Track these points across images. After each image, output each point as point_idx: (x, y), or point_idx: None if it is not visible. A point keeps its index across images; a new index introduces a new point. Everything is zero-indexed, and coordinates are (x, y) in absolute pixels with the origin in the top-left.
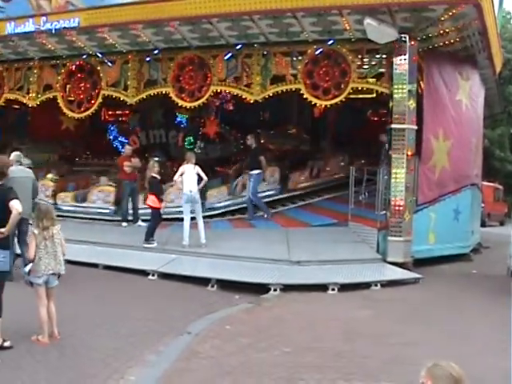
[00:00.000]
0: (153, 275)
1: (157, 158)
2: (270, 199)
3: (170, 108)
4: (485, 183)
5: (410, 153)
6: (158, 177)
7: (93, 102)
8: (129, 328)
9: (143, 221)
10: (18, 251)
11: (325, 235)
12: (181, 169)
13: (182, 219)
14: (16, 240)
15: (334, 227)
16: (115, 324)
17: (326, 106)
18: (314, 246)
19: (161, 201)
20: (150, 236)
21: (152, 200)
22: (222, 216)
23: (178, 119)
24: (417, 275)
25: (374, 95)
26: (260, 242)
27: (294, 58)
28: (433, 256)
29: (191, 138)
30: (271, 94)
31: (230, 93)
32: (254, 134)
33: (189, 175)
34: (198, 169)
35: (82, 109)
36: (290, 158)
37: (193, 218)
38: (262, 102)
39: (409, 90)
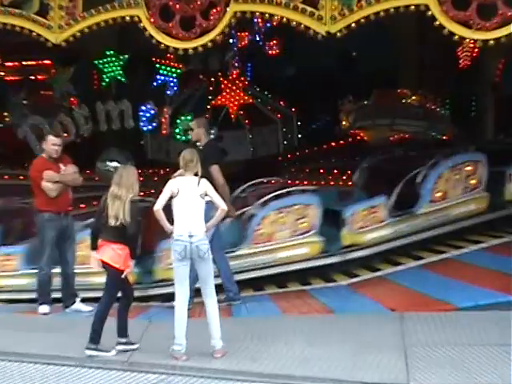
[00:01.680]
0: None
1: (115, 163)
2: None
3: (144, 55)
4: None
5: None
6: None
7: None
8: None
9: (83, 301)
10: None
11: (488, 329)
12: (169, 186)
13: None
14: None
15: (507, 312)
16: None
17: (485, 42)
18: (463, 353)
19: (133, 255)
20: (99, 333)
21: (110, 253)
22: (257, 287)
23: (161, 78)
24: None
25: None
26: (345, 344)
27: None
28: None
29: (189, 117)
30: (362, 21)
31: (271, 19)
32: (202, 120)
33: (186, 200)
34: (205, 186)
35: None
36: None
37: (197, 292)
38: (343, 39)
39: None
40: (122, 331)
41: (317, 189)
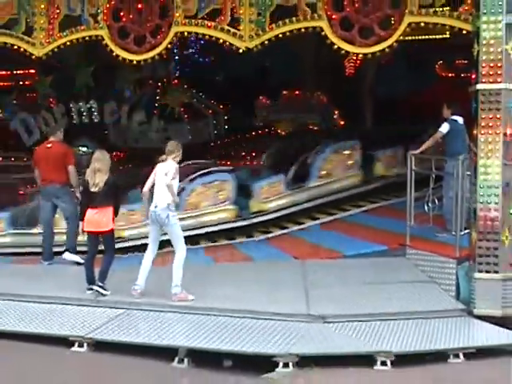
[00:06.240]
0: (80, 345)
1: (84, 148)
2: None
3: (107, 65)
4: None
5: (510, 131)
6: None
7: None
8: None
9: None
10: None
11: (367, 271)
12: (154, 171)
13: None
14: None
15: (381, 258)
16: None
17: (365, 56)
18: (349, 290)
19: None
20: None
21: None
22: (193, 242)
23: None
24: None
25: (448, 35)
26: (261, 284)
27: None
28: None
29: (143, 113)
30: (273, 39)
31: (204, 37)
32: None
33: (158, 180)
34: (171, 167)
35: None
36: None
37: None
38: (259, 52)
39: (507, 24)
40: (104, 276)
41: (232, 168)
